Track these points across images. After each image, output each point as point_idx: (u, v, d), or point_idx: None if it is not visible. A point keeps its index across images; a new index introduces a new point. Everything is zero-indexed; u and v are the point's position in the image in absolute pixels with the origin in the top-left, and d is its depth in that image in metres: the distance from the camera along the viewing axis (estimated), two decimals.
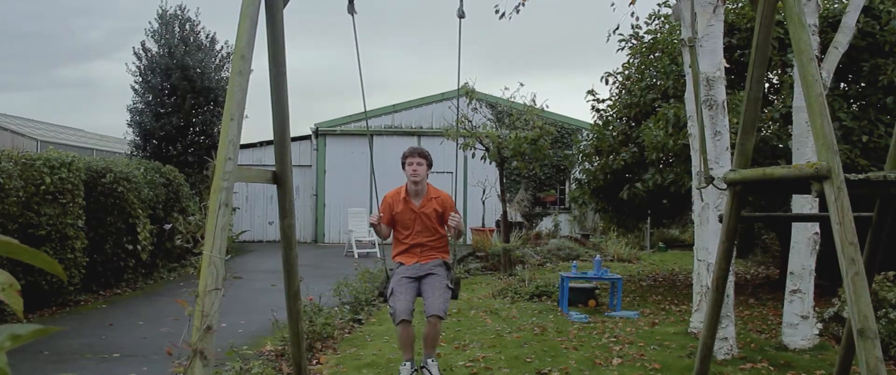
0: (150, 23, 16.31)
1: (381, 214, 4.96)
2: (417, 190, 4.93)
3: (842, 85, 8.89)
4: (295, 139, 17.82)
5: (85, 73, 64.49)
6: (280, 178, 3.23)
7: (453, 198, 5.08)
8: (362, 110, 4.40)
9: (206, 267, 2.37)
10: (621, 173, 9.94)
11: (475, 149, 11.48)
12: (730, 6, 9.26)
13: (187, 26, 16.51)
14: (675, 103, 8.50)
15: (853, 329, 2.14)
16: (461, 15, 4.42)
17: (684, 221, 15.74)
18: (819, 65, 5.78)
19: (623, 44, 10.63)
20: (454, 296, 4.86)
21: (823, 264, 6.39)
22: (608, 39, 10.10)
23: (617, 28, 10.04)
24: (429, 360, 4.83)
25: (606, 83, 10.77)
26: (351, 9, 4.07)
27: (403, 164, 4.95)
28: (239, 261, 13.39)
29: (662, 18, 10.53)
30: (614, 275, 8.58)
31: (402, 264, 4.97)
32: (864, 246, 3.00)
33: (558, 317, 7.83)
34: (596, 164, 10.65)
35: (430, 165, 4.95)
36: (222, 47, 17.00)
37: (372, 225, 4.94)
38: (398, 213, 4.96)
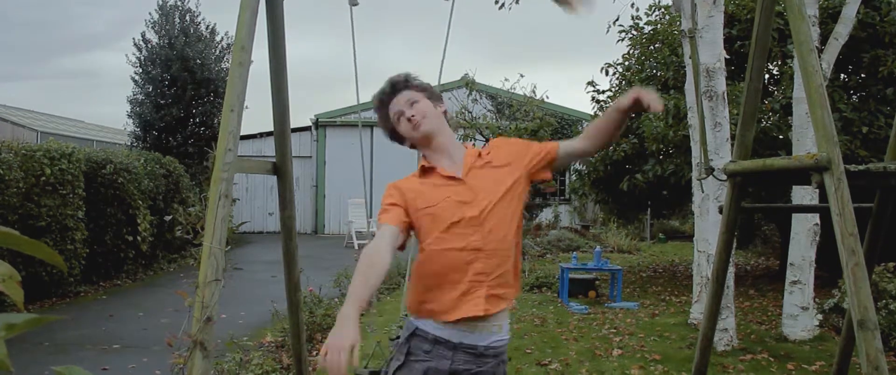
0: (150, 13, 16.32)
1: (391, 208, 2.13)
2: (442, 147, 2.28)
3: (842, 76, 8.87)
4: (295, 130, 17.78)
5: (85, 64, 64.36)
6: (280, 169, 3.22)
7: None
8: (362, 101, 4.15)
9: (206, 259, 2.37)
10: (621, 164, 9.93)
11: (475, 140, 11.47)
12: None
13: (187, 17, 16.48)
14: (675, 94, 8.48)
15: (853, 321, 2.15)
16: None
17: (684, 212, 15.74)
18: (819, 57, 5.76)
19: (623, 35, 10.60)
20: None
21: (823, 255, 6.39)
22: (608, 30, 10.10)
23: (617, 19, 10.05)
24: None
25: (606, 74, 10.74)
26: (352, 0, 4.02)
27: (386, 120, 2.34)
28: (239, 252, 13.40)
29: (662, 9, 10.49)
30: (614, 266, 8.59)
31: (435, 322, 2.05)
32: (865, 237, 3.00)
33: (558, 308, 7.84)
34: (596, 155, 10.64)
35: (436, 97, 2.38)
36: (222, 38, 16.99)
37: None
38: (426, 202, 2.11)
